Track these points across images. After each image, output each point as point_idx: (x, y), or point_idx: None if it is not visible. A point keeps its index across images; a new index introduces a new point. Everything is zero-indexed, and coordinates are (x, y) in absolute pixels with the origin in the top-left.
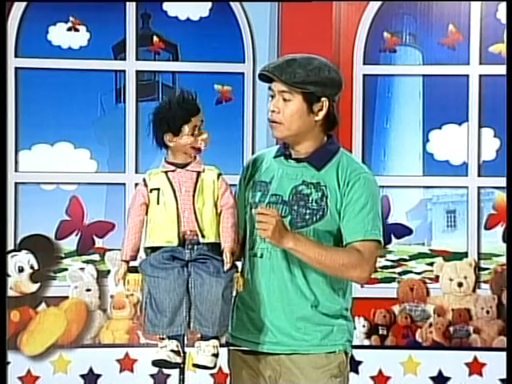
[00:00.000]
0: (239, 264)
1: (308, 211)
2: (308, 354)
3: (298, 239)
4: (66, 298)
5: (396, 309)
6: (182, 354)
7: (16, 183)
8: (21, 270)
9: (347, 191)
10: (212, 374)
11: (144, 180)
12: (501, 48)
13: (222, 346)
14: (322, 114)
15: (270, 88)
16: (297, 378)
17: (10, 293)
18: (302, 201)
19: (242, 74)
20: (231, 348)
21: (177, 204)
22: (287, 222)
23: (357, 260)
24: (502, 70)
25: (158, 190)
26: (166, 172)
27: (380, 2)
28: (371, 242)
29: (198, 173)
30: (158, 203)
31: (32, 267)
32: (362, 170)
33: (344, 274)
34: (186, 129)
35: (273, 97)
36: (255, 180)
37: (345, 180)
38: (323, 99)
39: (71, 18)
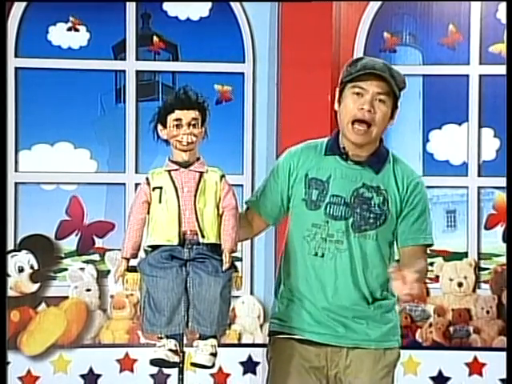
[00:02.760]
0: (238, 264)
1: (372, 215)
2: (370, 349)
3: (416, 277)
4: (66, 298)
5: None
6: (180, 354)
7: (16, 183)
8: (21, 270)
9: (408, 195)
10: (212, 374)
11: (147, 179)
12: (501, 48)
13: (231, 345)
14: (394, 121)
15: (357, 86)
16: (359, 371)
17: (10, 293)
18: (365, 204)
19: (242, 74)
20: (280, 336)
21: (178, 203)
22: (349, 224)
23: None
24: (502, 70)
25: (161, 188)
26: (169, 171)
27: (380, 2)
28: (427, 247)
29: (201, 173)
30: (159, 202)
31: (32, 267)
32: (415, 173)
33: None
34: (169, 120)
35: (359, 95)
36: (308, 176)
37: (403, 184)
38: (399, 105)
39: (71, 18)
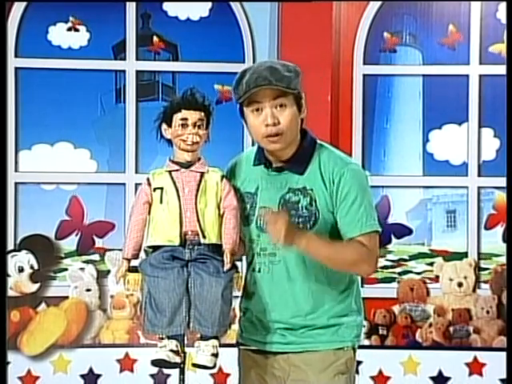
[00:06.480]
0: (239, 264)
1: (301, 219)
2: (317, 352)
3: (310, 237)
4: (66, 297)
5: (396, 309)
6: (181, 354)
7: (16, 183)
8: (21, 270)
9: (335, 189)
10: (212, 374)
11: (148, 179)
12: (501, 48)
13: (231, 345)
14: (304, 111)
15: (252, 104)
16: (306, 375)
17: (10, 293)
18: (293, 209)
19: None
20: (241, 347)
21: (179, 204)
22: None
23: (365, 254)
24: (502, 70)
25: (162, 189)
26: (170, 171)
27: (380, 2)
28: (371, 234)
29: (202, 173)
30: (161, 202)
31: (32, 267)
32: (344, 162)
33: (352, 270)
34: (175, 119)
35: (258, 110)
36: (240, 191)
37: (330, 178)
38: (303, 96)
39: (71, 18)
